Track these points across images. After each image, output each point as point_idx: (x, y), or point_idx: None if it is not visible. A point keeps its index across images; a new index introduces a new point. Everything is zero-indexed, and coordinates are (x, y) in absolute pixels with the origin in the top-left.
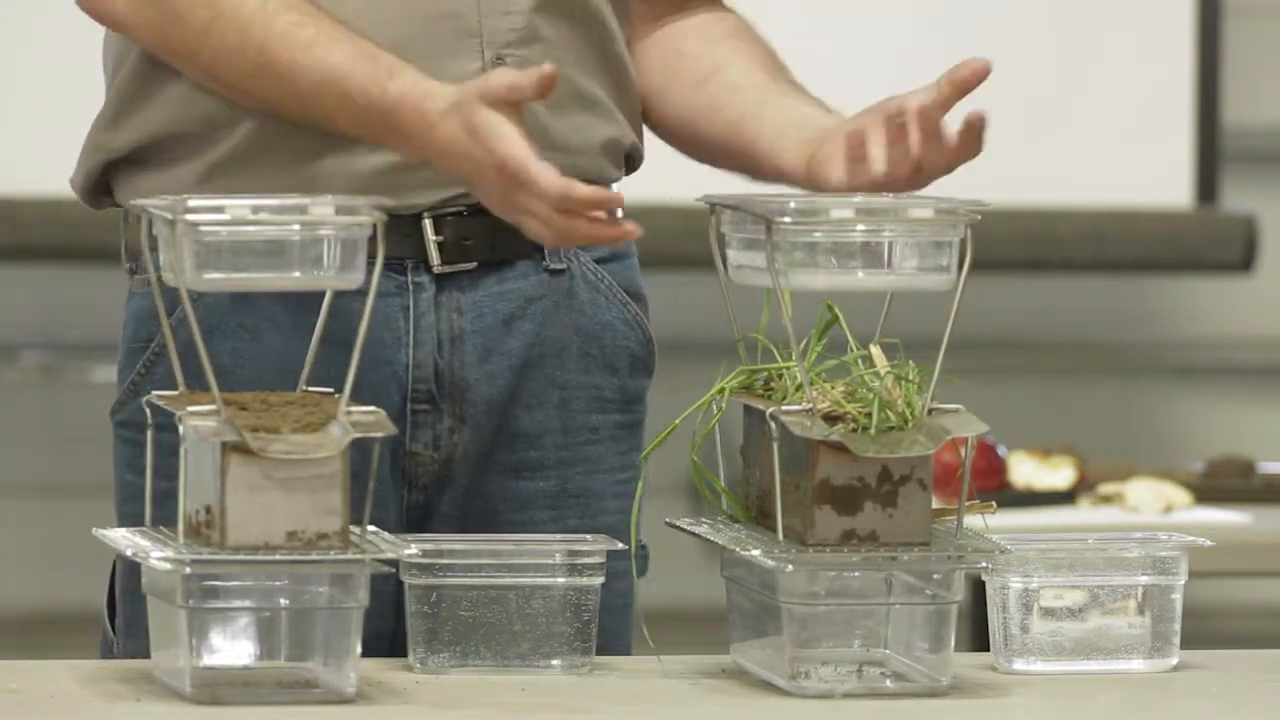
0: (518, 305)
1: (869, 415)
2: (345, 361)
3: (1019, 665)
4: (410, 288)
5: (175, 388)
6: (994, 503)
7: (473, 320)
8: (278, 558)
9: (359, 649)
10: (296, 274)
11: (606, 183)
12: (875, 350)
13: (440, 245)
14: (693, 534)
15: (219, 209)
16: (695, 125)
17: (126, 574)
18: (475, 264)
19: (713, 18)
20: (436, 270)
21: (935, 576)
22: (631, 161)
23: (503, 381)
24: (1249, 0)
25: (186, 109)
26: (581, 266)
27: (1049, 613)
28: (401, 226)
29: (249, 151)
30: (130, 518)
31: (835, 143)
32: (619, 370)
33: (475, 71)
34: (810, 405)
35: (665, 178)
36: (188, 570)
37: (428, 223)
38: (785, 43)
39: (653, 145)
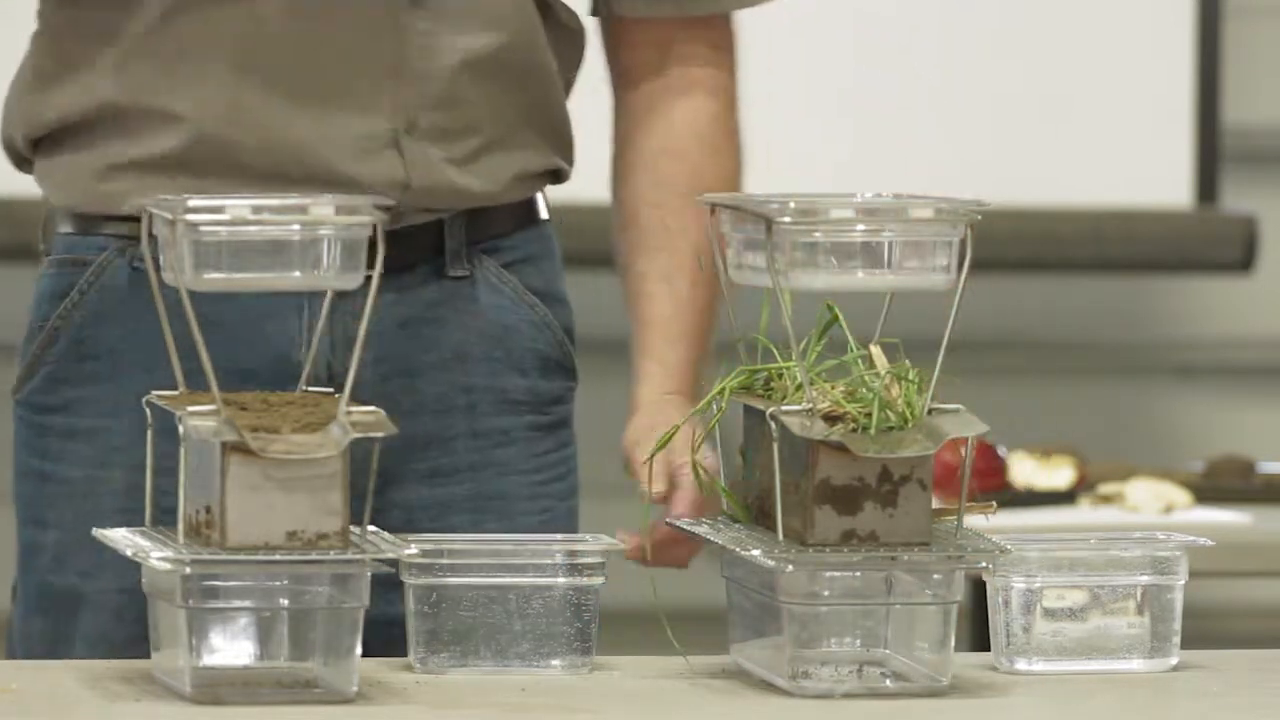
0: (415, 311)
1: (869, 415)
2: (226, 345)
3: (1020, 665)
4: (307, 291)
5: (70, 369)
6: (994, 503)
7: (368, 324)
8: (278, 558)
9: (359, 649)
10: (296, 274)
11: (524, 205)
12: (875, 350)
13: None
14: (693, 534)
15: (219, 209)
16: (621, 259)
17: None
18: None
19: (690, 139)
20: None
21: (935, 576)
22: (556, 176)
23: (398, 385)
24: (1249, 0)
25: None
26: (485, 271)
27: (1050, 613)
28: None
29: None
30: (23, 498)
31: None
32: (528, 372)
33: (388, 132)
34: (810, 405)
35: None
36: (188, 570)
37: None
38: (787, 39)
39: None
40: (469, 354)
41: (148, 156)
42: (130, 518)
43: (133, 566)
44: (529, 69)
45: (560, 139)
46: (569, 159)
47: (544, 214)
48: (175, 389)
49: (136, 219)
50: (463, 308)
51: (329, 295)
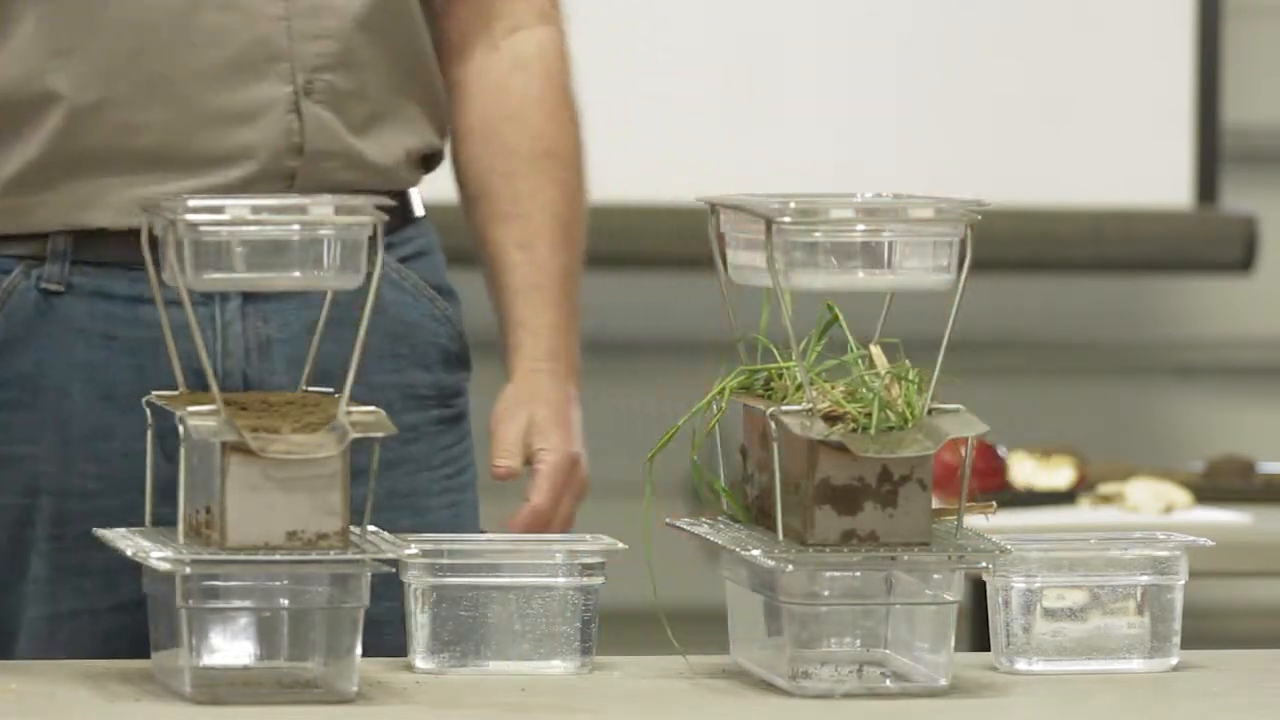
0: (319, 311)
1: (869, 415)
2: (140, 366)
3: (1020, 665)
4: (216, 297)
5: None
6: (994, 503)
7: (279, 328)
8: (278, 558)
9: (359, 649)
10: (296, 274)
11: (405, 189)
12: (875, 350)
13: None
14: (693, 534)
15: (219, 209)
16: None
17: None
18: None
19: (519, 95)
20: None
21: (935, 576)
22: (430, 161)
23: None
24: (1249, 0)
25: None
26: (386, 269)
27: (1050, 613)
28: None
29: (36, 174)
30: None
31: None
32: (431, 366)
33: (286, 95)
34: (810, 405)
35: (665, 178)
36: (188, 570)
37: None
38: (789, 40)
39: (655, 147)
40: (375, 352)
41: (39, 156)
42: (61, 544)
43: (65, 592)
44: (408, 32)
45: (438, 114)
46: (444, 136)
47: (420, 210)
48: (88, 412)
49: (40, 236)
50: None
51: (329, 295)
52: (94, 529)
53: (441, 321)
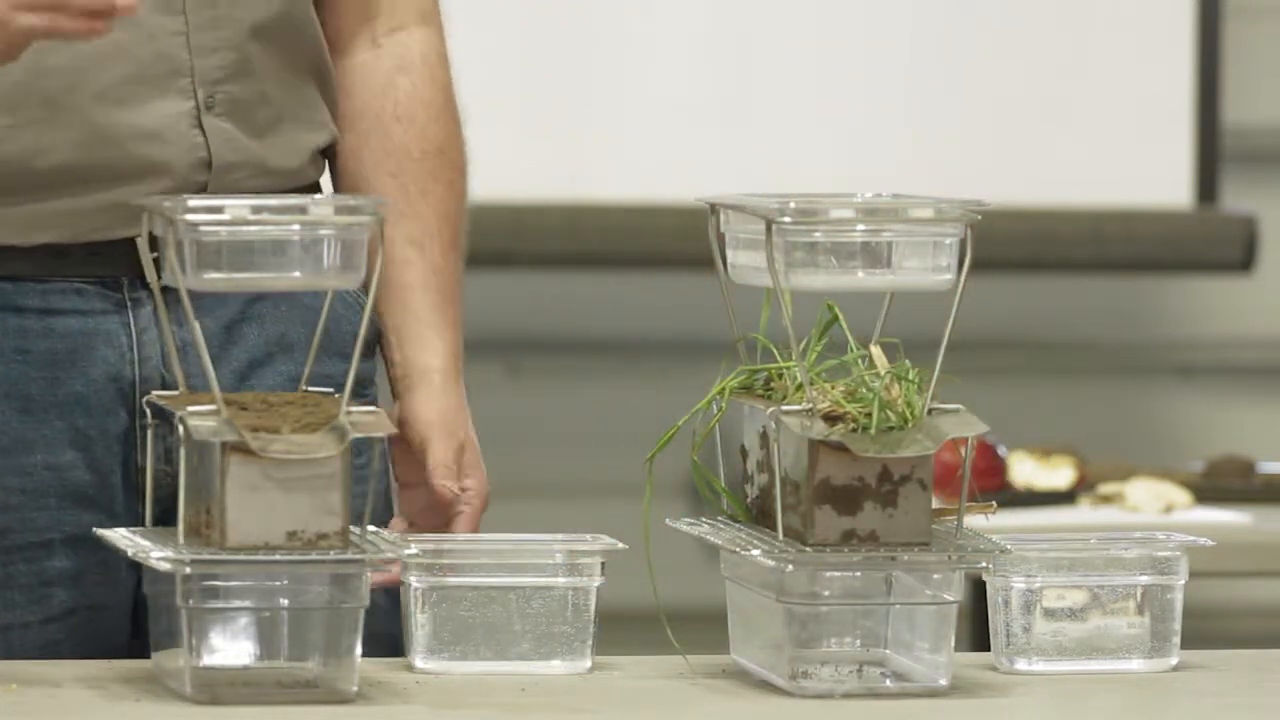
0: (238, 310)
1: (869, 415)
2: (54, 378)
3: (1020, 665)
4: (129, 304)
5: None
6: (994, 503)
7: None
8: (278, 558)
9: (359, 649)
10: (296, 274)
11: (314, 182)
12: (875, 350)
13: (157, 261)
14: (693, 534)
15: (219, 209)
16: None
17: None
18: None
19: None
20: (154, 286)
21: (935, 576)
22: (329, 151)
23: (230, 387)
24: (1249, 0)
25: None
26: None
27: (1050, 613)
28: (117, 247)
29: None
30: None
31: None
32: (348, 355)
33: (188, 111)
34: (810, 405)
35: (665, 178)
36: (188, 570)
37: (143, 241)
38: (790, 40)
39: (655, 147)
40: (294, 343)
41: None
42: None
43: None
44: (304, 32)
45: (334, 104)
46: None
47: None
48: (7, 426)
49: None
50: (279, 299)
51: (328, 303)
52: (94, 529)
53: (355, 309)
